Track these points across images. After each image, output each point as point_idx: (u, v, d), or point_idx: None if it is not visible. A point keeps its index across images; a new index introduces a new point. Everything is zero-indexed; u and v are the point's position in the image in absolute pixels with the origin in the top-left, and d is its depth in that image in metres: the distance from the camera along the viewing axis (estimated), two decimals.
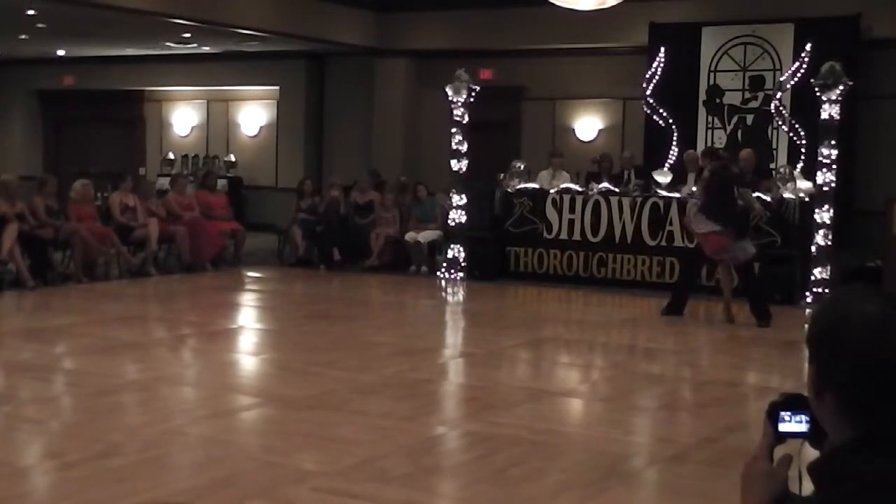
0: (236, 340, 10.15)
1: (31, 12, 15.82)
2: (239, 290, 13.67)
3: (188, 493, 5.28)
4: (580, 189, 14.14)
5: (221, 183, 18.34)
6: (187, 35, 17.93)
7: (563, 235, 13.94)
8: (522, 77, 18.22)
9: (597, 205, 13.77)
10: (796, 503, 1.76)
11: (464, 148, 14.42)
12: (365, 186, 16.00)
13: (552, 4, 12.71)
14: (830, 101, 12.34)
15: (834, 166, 12.44)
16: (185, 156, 21.43)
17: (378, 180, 16.52)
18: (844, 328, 1.71)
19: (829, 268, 12.32)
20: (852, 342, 1.69)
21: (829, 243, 12.38)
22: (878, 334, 1.69)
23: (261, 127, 21.30)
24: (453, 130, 14.47)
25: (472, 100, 14.39)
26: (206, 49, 19.70)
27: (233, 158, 20.93)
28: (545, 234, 14.04)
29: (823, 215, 12.39)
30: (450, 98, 14.46)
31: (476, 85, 14.51)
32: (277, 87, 20.74)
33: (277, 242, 16.23)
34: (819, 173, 12.50)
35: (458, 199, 14.43)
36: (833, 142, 12.42)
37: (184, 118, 22.21)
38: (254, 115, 21.39)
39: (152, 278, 13.70)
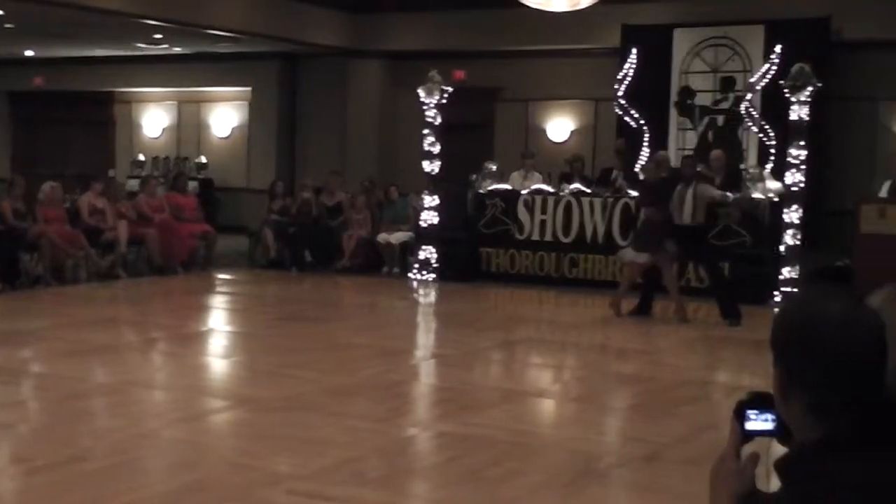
0: (208, 343, 10.11)
1: None
2: (210, 292, 13.61)
3: (161, 497, 5.25)
4: (552, 190, 14.19)
5: (192, 185, 18.27)
6: (158, 36, 17.86)
7: (535, 236, 13.98)
8: (496, 78, 18.25)
9: (568, 206, 13.81)
10: (763, 500, 1.77)
11: (436, 149, 14.43)
12: (332, 188, 15.98)
13: (525, 6, 12.74)
14: (800, 102, 12.42)
15: (803, 167, 12.53)
16: (156, 157, 21.36)
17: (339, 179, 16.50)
18: (811, 329, 1.72)
19: (798, 267, 12.41)
20: (820, 343, 1.71)
21: (799, 243, 12.47)
22: (844, 334, 1.70)
23: (232, 128, 21.25)
24: (426, 132, 14.48)
25: (444, 101, 14.40)
26: (177, 50, 19.63)
27: (204, 160, 20.86)
28: (517, 234, 14.07)
29: (792, 215, 12.47)
30: (422, 99, 14.47)
31: (449, 86, 14.52)
32: (249, 89, 20.68)
33: (249, 244, 16.17)
34: (788, 174, 12.58)
35: (431, 200, 14.43)
36: (802, 142, 12.51)
37: (154, 120, 22.12)
38: (225, 116, 21.34)
39: (122, 281, 13.62)
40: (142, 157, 21.29)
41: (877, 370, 1.72)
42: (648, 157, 15.06)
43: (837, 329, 1.70)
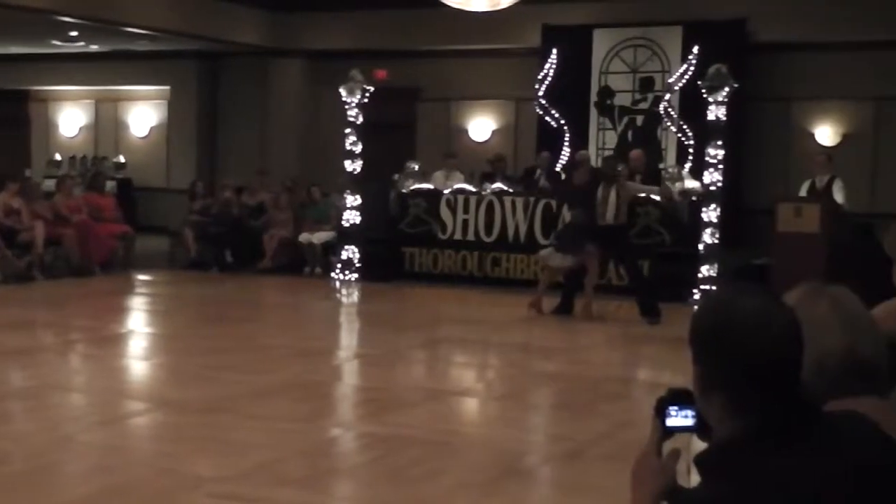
0: (127, 345, 9.96)
1: None
2: (129, 293, 13.42)
3: (81, 501, 5.17)
4: (474, 190, 14.25)
5: (110, 184, 17.98)
6: (75, 33, 17.55)
7: (458, 236, 14.02)
8: (417, 78, 18.26)
9: (490, 205, 13.88)
10: (684, 496, 1.80)
11: (358, 149, 14.39)
12: (255, 187, 15.87)
13: (446, 5, 12.77)
14: (717, 103, 12.63)
15: (721, 166, 12.73)
16: (73, 157, 20.97)
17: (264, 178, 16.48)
18: (729, 328, 1.75)
19: (716, 266, 12.61)
20: (737, 341, 1.74)
21: (717, 241, 12.66)
22: (761, 332, 1.74)
23: (151, 128, 20.98)
24: (347, 131, 14.43)
25: (366, 100, 14.37)
26: (94, 48, 19.31)
27: (122, 160, 20.56)
28: (439, 234, 14.10)
29: (711, 214, 12.67)
30: (344, 99, 14.43)
31: (370, 85, 14.49)
32: (168, 87, 20.44)
33: (169, 245, 15.97)
34: (706, 173, 12.78)
35: (353, 200, 14.39)
36: (720, 142, 12.71)
37: (71, 118, 21.75)
38: (144, 115, 21.06)
39: (39, 282, 13.36)
40: (58, 157, 20.90)
41: (793, 367, 1.76)
42: (569, 158, 15.22)
43: (754, 327, 1.74)
